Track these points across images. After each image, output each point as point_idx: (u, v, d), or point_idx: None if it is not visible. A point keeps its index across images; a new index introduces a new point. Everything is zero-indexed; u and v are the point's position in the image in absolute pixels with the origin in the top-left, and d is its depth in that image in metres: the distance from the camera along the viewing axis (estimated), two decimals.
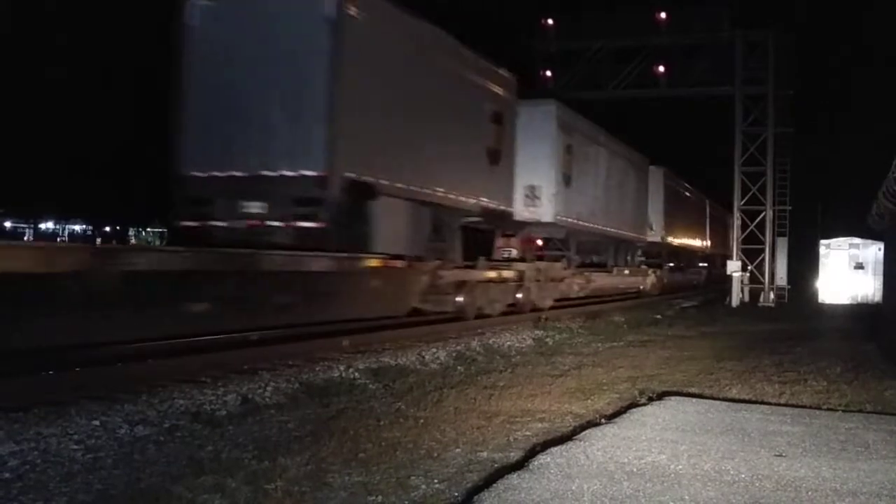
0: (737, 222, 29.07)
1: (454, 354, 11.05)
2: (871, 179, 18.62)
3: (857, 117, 49.95)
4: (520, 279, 17.17)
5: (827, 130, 53.51)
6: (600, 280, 23.16)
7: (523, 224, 18.14)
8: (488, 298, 15.72)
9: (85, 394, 6.86)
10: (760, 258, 29.05)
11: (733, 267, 28.45)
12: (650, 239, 28.32)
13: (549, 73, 29.26)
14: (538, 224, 18.51)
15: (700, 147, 44.22)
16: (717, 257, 42.80)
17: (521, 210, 17.65)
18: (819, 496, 4.46)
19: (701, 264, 39.99)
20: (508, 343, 12.84)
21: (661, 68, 28.66)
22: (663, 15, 28.02)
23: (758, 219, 28.71)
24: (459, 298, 14.56)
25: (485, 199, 15.36)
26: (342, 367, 9.29)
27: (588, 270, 22.34)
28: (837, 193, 44.64)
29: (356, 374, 9.02)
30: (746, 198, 28.75)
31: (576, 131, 20.17)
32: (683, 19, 27.76)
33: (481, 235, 16.47)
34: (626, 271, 26.11)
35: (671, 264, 32.83)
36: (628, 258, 26.40)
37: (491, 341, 12.72)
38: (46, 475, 4.90)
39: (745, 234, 28.96)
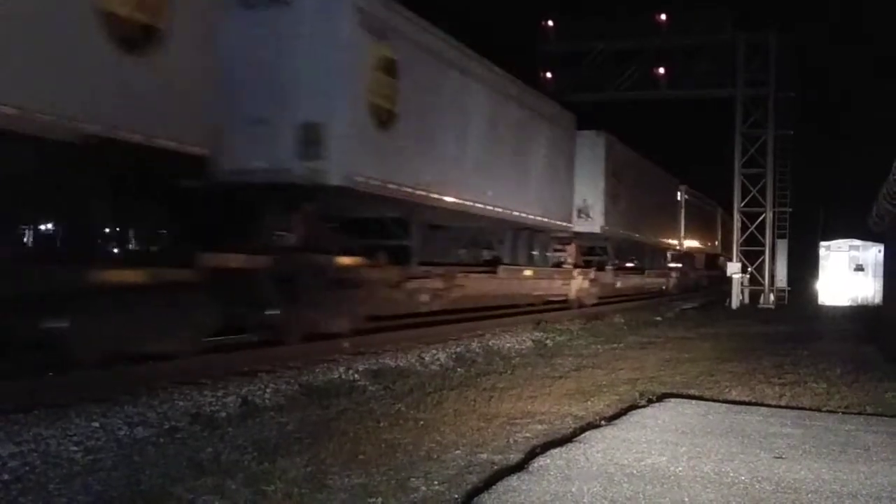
0: (737, 224, 29.10)
1: (454, 356, 11.05)
2: (871, 181, 18.67)
3: (857, 119, 50.01)
4: (219, 283, 8.55)
5: (827, 132, 53.59)
6: (477, 284, 15.27)
7: (307, 191, 10.54)
8: (126, 325, 7.59)
9: (84, 395, 6.86)
10: (760, 260, 29.09)
11: (733, 268, 28.47)
12: (581, 228, 21.10)
13: (549, 76, 29.29)
14: (322, 189, 10.62)
15: (699, 148, 44.30)
16: (697, 256, 37.26)
17: (294, 164, 10.28)
18: (819, 498, 4.46)
19: (671, 265, 32.87)
20: (508, 345, 12.85)
21: (662, 70, 28.70)
22: (664, 17, 28.08)
23: (758, 220, 28.75)
24: (55, 323, 6.98)
25: (102, 123, 6.94)
26: (342, 369, 9.30)
27: (458, 270, 14.54)
28: (838, 195, 44.67)
29: (356, 375, 9.02)
30: (747, 199, 28.80)
31: (408, 40, 12.00)
32: (684, 21, 27.83)
33: (239, 209, 9.92)
34: (529, 272, 17.68)
35: (626, 264, 26.53)
36: (534, 253, 18.34)
37: (491, 343, 12.73)
38: (46, 476, 4.90)
39: (745, 235, 29.00)
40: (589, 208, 21.62)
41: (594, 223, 21.87)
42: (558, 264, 20.47)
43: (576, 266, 21.38)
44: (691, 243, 34.92)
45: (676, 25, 27.86)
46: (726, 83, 28.09)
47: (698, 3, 28.38)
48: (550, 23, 29.33)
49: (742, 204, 28.87)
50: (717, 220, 40.83)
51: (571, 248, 21.28)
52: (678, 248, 33.03)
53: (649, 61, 28.66)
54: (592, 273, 22.12)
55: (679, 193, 32.90)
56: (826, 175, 45.83)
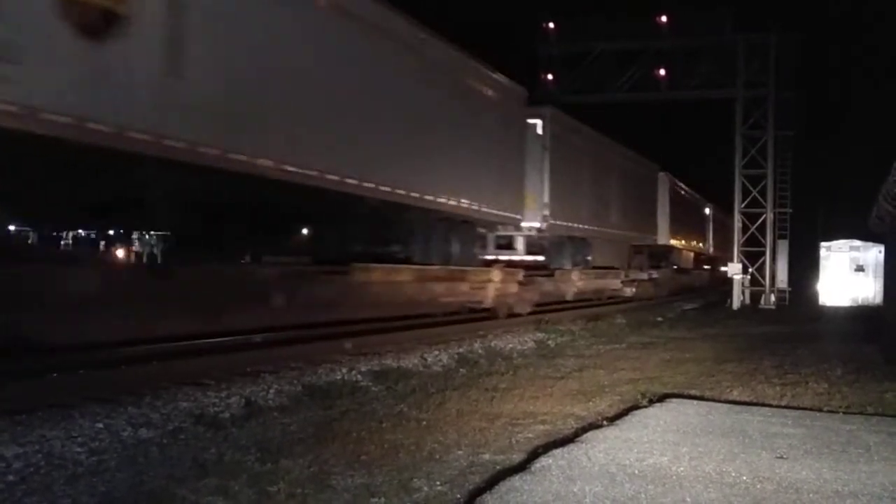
0: (738, 225, 29.12)
1: (456, 357, 11.06)
2: (871, 182, 18.69)
3: (857, 120, 50.07)
4: None
5: (828, 133, 53.64)
6: None
7: None
8: None
9: (88, 396, 6.88)
10: (761, 261, 29.08)
11: (734, 269, 28.48)
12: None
13: (550, 77, 29.27)
14: None
15: (699, 149, 44.27)
16: (609, 246, 23.39)
17: None
18: (820, 498, 4.48)
19: (504, 256, 18.02)
20: (510, 345, 12.86)
21: (663, 71, 28.67)
22: (664, 18, 28.06)
23: (758, 221, 28.75)
24: None
25: None
26: (344, 370, 9.31)
27: None
28: (838, 196, 44.70)
29: (358, 376, 9.04)
30: (747, 200, 28.81)
31: None
32: (685, 22, 27.79)
33: None
34: None
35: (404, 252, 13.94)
36: None
37: (493, 344, 12.73)
38: (50, 477, 4.92)
39: (746, 236, 29.00)
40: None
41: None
42: None
43: None
44: (582, 225, 20.63)
45: (677, 26, 27.82)
46: (727, 84, 28.07)
47: (698, 4, 28.40)
48: (551, 24, 29.31)
49: (743, 205, 28.87)
50: (660, 191, 29.22)
51: None
52: (536, 226, 18.38)
53: (650, 62, 28.62)
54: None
55: (539, 124, 18.31)
56: (826, 176, 45.90)
